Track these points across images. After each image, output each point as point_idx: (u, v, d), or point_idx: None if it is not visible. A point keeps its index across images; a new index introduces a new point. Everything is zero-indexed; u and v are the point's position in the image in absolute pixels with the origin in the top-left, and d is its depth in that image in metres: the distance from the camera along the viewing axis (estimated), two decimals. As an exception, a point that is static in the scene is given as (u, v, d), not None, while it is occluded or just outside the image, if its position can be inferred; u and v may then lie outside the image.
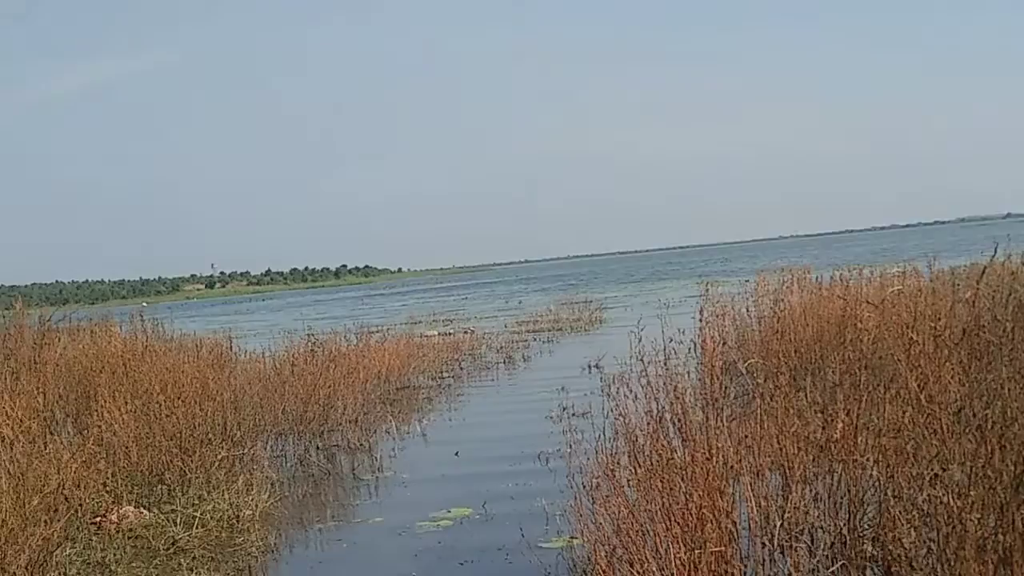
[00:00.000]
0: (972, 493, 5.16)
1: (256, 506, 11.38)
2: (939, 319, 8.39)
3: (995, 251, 9.51)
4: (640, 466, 7.41)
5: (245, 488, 11.63)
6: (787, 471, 7.68)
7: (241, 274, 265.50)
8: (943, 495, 5.29)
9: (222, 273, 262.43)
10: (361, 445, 15.40)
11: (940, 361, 7.96)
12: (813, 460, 7.87)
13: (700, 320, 10.03)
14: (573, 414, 15.27)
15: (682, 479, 6.67)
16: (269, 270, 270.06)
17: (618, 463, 7.52)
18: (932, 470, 5.68)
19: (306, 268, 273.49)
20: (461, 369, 24.79)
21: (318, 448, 15.35)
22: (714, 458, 7.06)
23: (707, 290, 11.83)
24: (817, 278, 19.42)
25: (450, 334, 32.56)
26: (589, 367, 21.57)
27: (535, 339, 31.35)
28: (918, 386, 7.88)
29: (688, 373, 9.38)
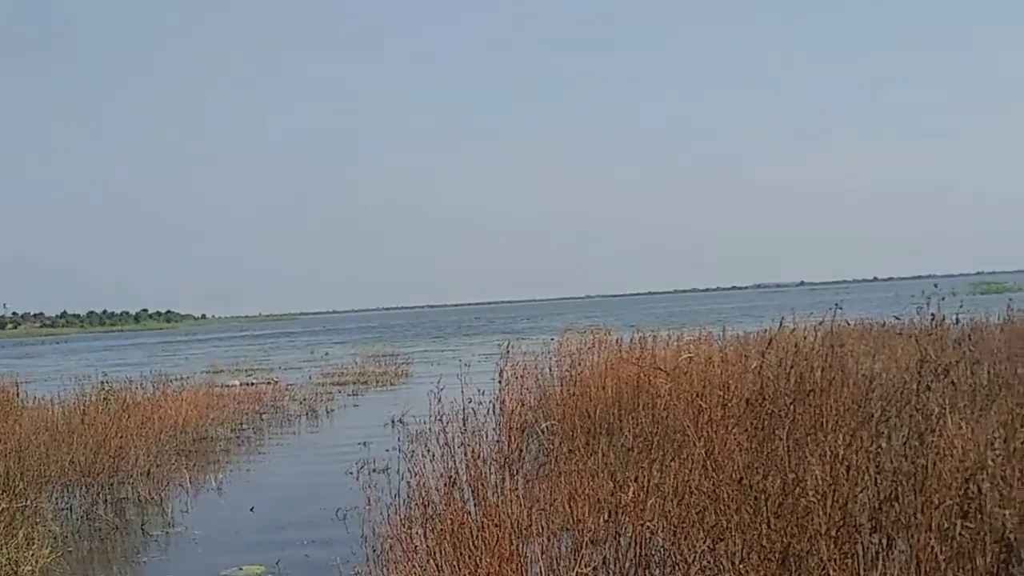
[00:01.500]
0: (744, 564, 5.35)
1: (36, 561, 10.84)
2: (727, 388, 8.72)
3: (780, 322, 9.97)
4: (434, 528, 7.40)
5: (25, 542, 11.06)
6: (578, 533, 7.79)
7: (35, 315, 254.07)
8: (719, 565, 5.46)
9: (14, 313, 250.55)
10: (152, 498, 14.87)
11: (726, 429, 8.27)
12: (604, 522, 8.01)
13: (500, 380, 10.12)
14: (374, 470, 15.14)
15: (473, 543, 6.70)
16: (64, 312, 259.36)
17: (412, 525, 7.50)
18: (712, 538, 5.86)
19: (104, 311, 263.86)
20: (262, 421, 24.29)
21: (106, 501, 14.75)
22: (507, 521, 7.11)
23: (508, 349, 11.90)
24: (618, 340, 19.84)
25: (252, 384, 31.88)
26: (393, 422, 21.45)
27: (340, 392, 31.01)
28: (705, 453, 8.15)
29: (486, 434, 9.44)
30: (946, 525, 4.85)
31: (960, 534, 4.37)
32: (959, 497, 4.84)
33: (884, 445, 6.19)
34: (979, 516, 4.49)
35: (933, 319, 8.81)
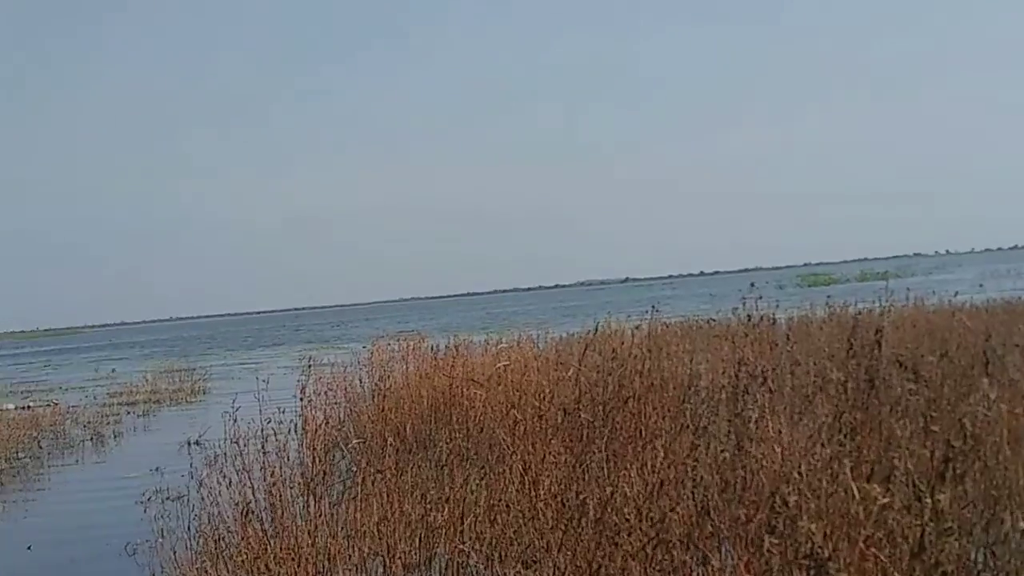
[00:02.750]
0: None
1: None
2: (543, 397, 8.86)
3: (597, 324, 10.18)
4: (229, 562, 7.28)
5: None
6: (389, 560, 7.79)
7: None
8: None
9: None
10: (-89, 542, 14.15)
11: (544, 441, 8.40)
12: (417, 546, 8.03)
13: (302, 396, 10.04)
14: (167, 499, 14.75)
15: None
16: None
17: (205, 559, 7.36)
18: (525, 560, 5.95)
19: None
20: (40, 448, 23.37)
21: None
22: (310, 550, 7.05)
23: (310, 362, 11.81)
24: (432, 347, 19.88)
25: (29, 408, 30.63)
26: (188, 445, 20.94)
27: (129, 413, 30.10)
28: (522, 467, 8.27)
29: (288, 455, 9.34)
30: (759, 540, 5.04)
31: (768, 550, 4.55)
32: (768, 510, 5.04)
33: (702, 455, 6.38)
34: (788, 530, 4.68)
35: (750, 319, 9.13)
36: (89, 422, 26.95)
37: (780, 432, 7.14)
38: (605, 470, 7.17)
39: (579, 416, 8.28)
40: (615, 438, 7.95)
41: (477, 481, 8.82)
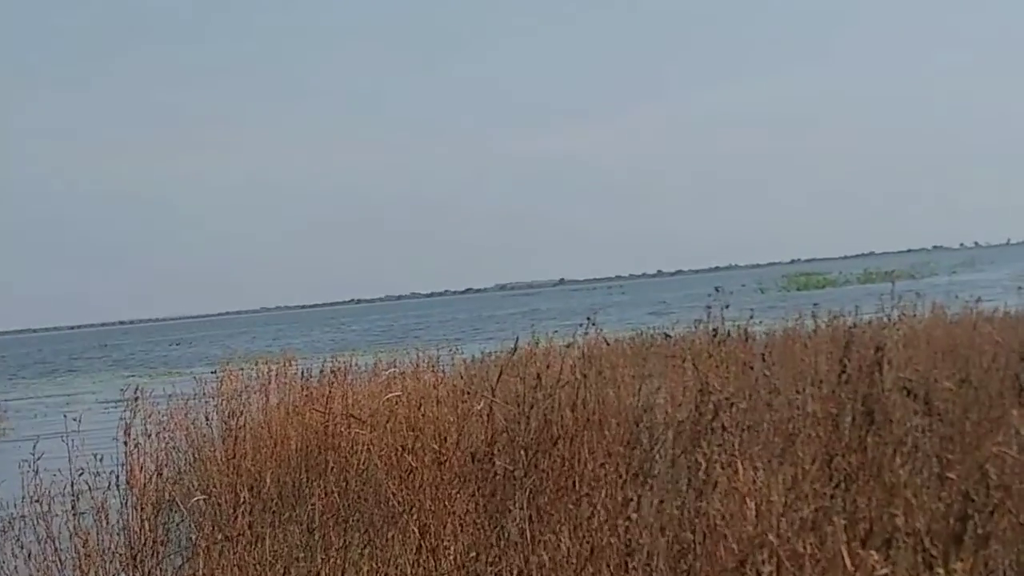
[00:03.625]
0: None
1: None
2: (444, 439, 8.89)
3: (515, 345, 10.21)
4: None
5: None
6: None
7: None
8: None
9: None
10: None
11: (447, 497, 8.44)
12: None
13: (127, 439, 9.98)
14: (-60, 579, 14.57)
15: None
16: None
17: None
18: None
19: None
20: None
21: None
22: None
23: (137, 393, 11.66)
24: (303, 372, 19.81)
25: None
26: (-29, 504, 20.67)
27: None
28: (419, 531, 8.32)
29: (106, 518, 9.28)
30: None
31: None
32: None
33: (648, 511, 6.47)
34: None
35: (716, 334, 9.26)
36: None
37: (753, 481, 7.26)
38: (526, 533, 7.24)
39: (492, 463, 8.34)
40: (540, 491, 8.02)
41: (359, 550, 8.85)
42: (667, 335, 12.94)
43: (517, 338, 10.57)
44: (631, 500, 6.40)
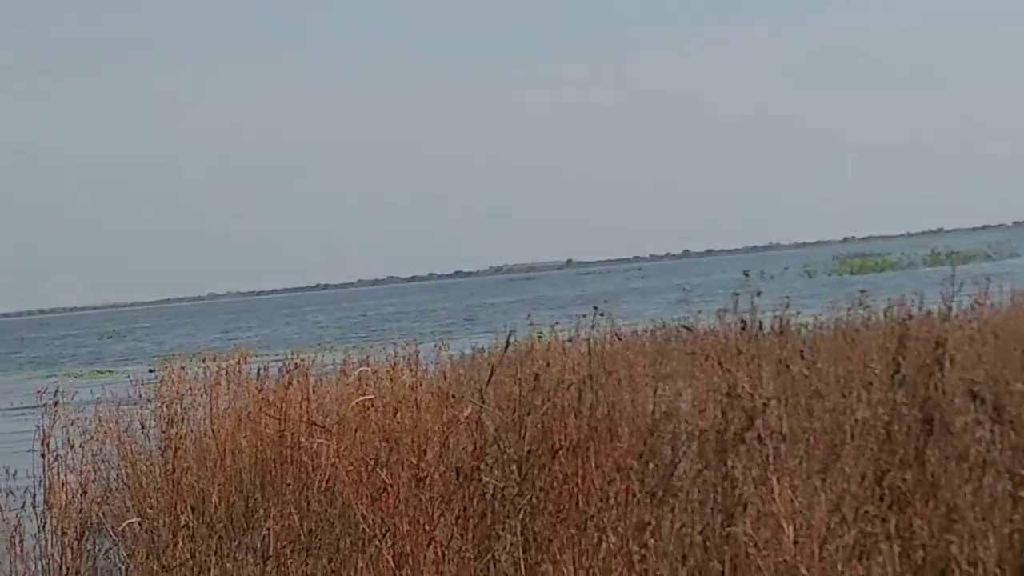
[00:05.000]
0: None
1: None
2: (424, 451, 8.91)
3: (508, 339, 10.19)
4: None
5: None
6: None
7: None
8: None
9: None
10: None
11: (428, 520, 8.47)
12: None
13: (45, 450, 10.00)
14: None
15: None
16: None
17: None
18: None
19: None
20: None
21: None
22: None
23: (59, 395, 11.67)
24: (259, 370, 19.78)
25: None
26: None
27: None
28: (394, 561, 8.35)
29: (20, 545, 9.32)
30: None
31: None
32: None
33: (668, 535, 6.50)
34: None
35: (746, 327, 9.27)
36: None
37: (791, 501, 7.29)
38: (521, 563, 7.28)
39: (480, 480, 8.38)
40: (536, 513, 8.06)
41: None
42: (688, 328, 12.92)
43: (511, 332, 10.54)
44: (648, 524, 6.43)
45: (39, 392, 11.58)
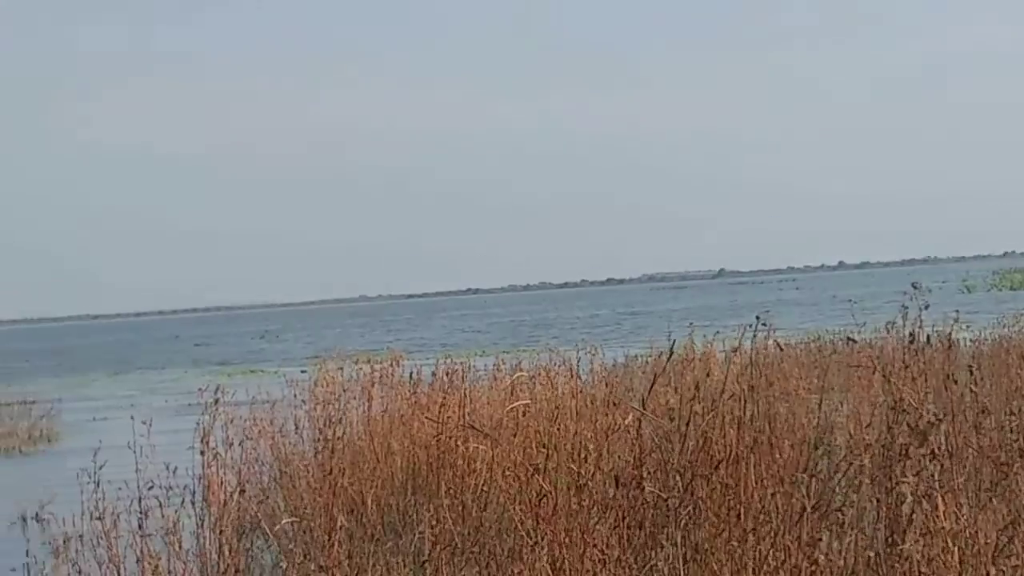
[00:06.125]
0: None
1: None
2: (585, 459, 8.87)
3: (672, 343, 10.13)
4: None
5: None
6: None
7: None
8: None
9: None
10: None
11: (584, 528, 8.42)
12: None
13: (204, 448, 10.08)
14: (-13, 606, 14.87)
15: None
16: None
17: None
18: None
19: None
20: None
21: None
22: None
23: (219, 394, 11.75)
24: (412, 373, 19.87)
25: None
26: (24, 520, 21.08)
27: (-72, 468, 30.36)
28: (551, 567, 8.31)
29: (179, 541, 9.39)
30: None
31: None
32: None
33: (833, 553, 6.41)
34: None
35: (913, 340, 9.13)
36: None
37: (957, 520, 7.17)
38: (681, 574, 7.21)
39: (641, 489, 8.32)
40: (697, 524, 7.99)
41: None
42: (852, 339, 12.76)
43: (673, 340, 10.45)
44: (819, 539, 6.33)
45: (199, 391, 11.69)
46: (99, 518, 9.28)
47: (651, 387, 9.32)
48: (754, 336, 9.66)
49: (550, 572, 8.26)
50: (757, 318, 9.71)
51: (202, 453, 9.80)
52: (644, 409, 8.92)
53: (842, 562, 6.55)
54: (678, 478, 8.43)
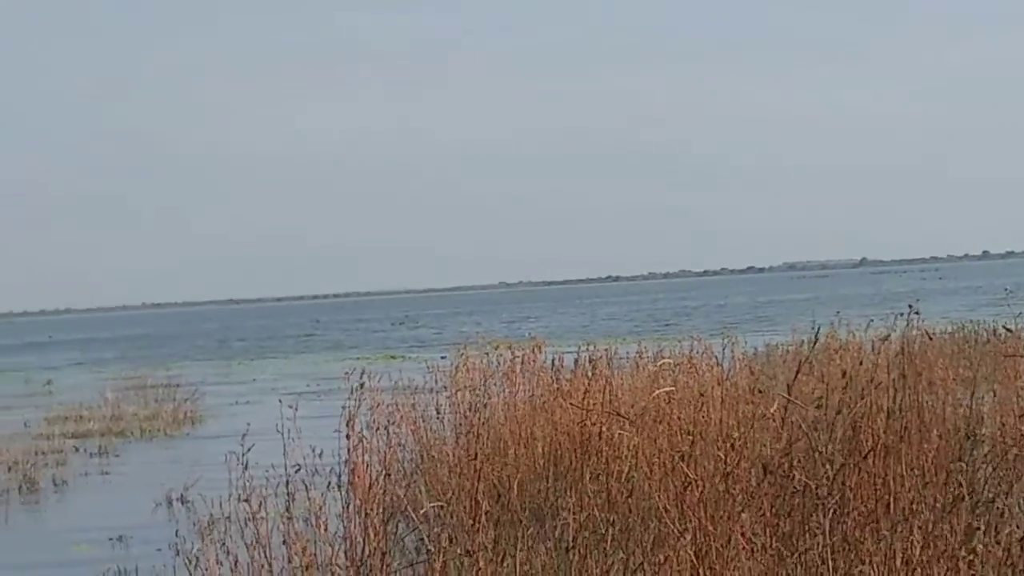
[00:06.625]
0: None
1: None
2: (731, 446, 8.80)
3: (817, 331, 10.03)
4: None
5: None
6: None
7: None
8: None
9: None
10: None
11: (730, 516, 8.37)
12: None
13: (349, 432, 10.09)
14: (137, 585, 15.03)
15: None
16: None
17: None
18: None
19: None
20: (-61, 500, 23.96)
21: None
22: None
23: (363, 378, 11.76)
24: (553, 360, 19.83)
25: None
26: (170, 501, 21.29)
27: (80, 449, 30.66)
28: (695, 555, 8.26)
29: (324, 523, 9.42)
30: None
31: None
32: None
33: (988, 544, 6.31)
34: None
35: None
36: (16, 462, 27.48)
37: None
38: (829, 564, 7.14)
39: (789, 477, 8.24)
40: (846, 514, 7.90)
41: (623, 575, 8.84)
42: (1008, 329, 12.58)
43: (818, 328, 10.35)
44: (977, 528, 6.23)
45: (345, 375, 11.74)
46: (246, 500, 9.33)
47: (796, 374, 9.23)
48: (907, 324, 9.58)
49: (695, 559, 8.22)
50: (910, 307, 9.63)
51: (348, 437, 9.81)
52: (790, 396, 8.84)
53: (1000, 552, 6.43)
54: (826, 467, 8.35)
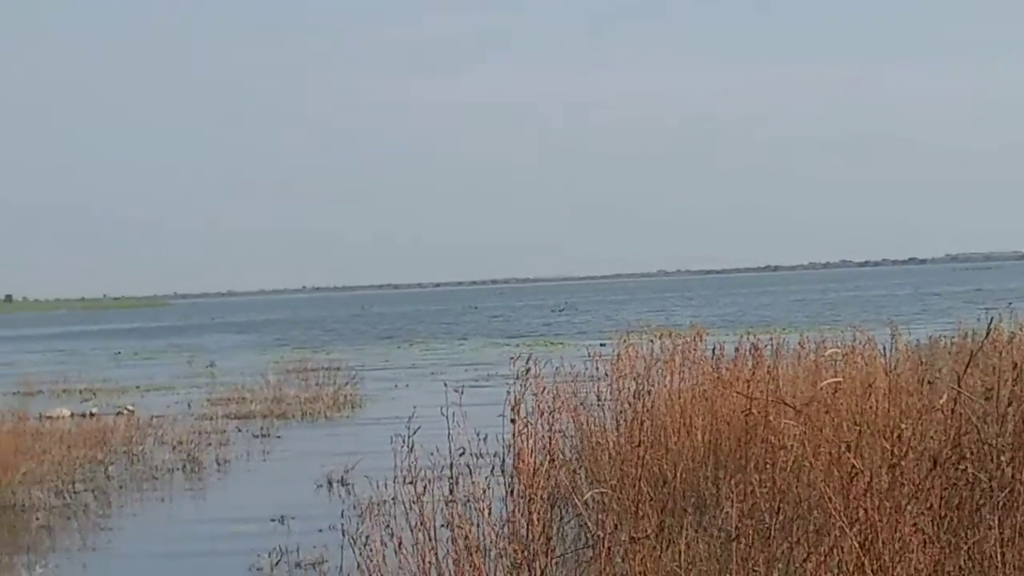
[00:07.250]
0: None
1: None
2: (899, 437, 8.69)
3: (990, 321, 9.86)
4: None
5: None
6: None
7: None
8: None
9: None
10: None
11: (897, 508, 8.26)
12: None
13: (514, 417, 10.08)
14: (298, 565, 15.14)
15: None
16: None
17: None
18: None
19: None
20: (109, 478, 24.30)
21: None
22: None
23: (529, 364, 11.75)
24: (714, 348, 19.72)
25: (93, 415, 31.90)
26: (330, 483, 21.47)
27: (242, 431, 31.02)
28: (861, 547, 8.16)
29: (488, 507, 9.43)
30: None
31: None
32: None
33: None
34: None
35: None
36: (180, 442, 27.86)
37: None
38: (1000, 559, 7.02)
39: (958, 469, 8.12)
40: (1016, 507, 7.78)
41: (787, 565, 8.77)
42: None
43: (991, 319, 10.18)
44: None
45: (511, 359, 11.74)
46: (411, 482, 9.37)
47: (966, 366, 9.09)
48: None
49: (859, 550, 8.13)
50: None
51: (513, 421, 9.80)
52: (960, 388, 8.70)
53: None
54: (996, 460, 8.22)
